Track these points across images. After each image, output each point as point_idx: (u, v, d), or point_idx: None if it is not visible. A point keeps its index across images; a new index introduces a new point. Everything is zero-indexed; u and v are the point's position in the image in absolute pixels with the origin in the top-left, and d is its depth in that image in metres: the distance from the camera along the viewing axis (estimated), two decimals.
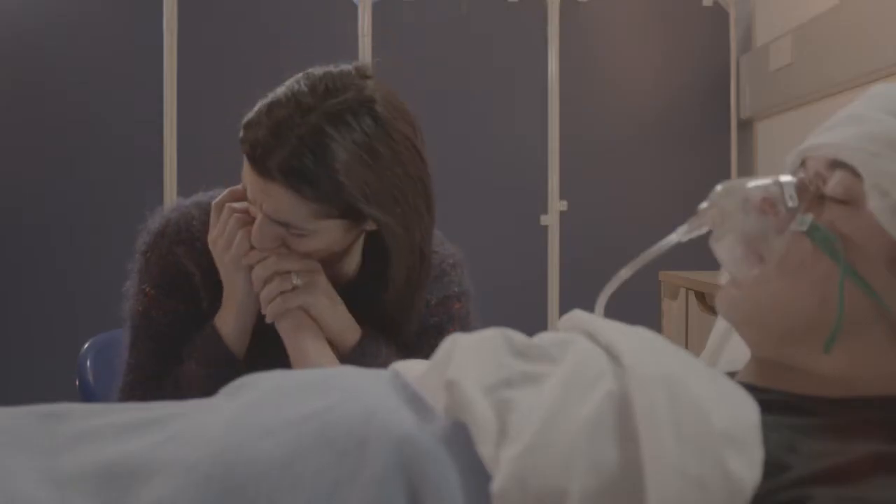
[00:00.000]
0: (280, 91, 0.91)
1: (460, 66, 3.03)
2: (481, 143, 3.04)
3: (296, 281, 0.97)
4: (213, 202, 1.00)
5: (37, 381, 2.71)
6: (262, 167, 0.88)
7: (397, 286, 1.00)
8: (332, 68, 0.93)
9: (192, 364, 0.99)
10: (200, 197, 1.07)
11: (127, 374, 1.03)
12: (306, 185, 0.88)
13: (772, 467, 0.54)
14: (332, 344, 1.00)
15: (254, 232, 0.94)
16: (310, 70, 0.93)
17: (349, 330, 1.00)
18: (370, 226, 0.97)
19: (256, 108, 0.91)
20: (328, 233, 0.94)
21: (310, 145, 0.86)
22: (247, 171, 0.92)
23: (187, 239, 1.02)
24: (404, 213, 0.94)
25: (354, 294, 1.04)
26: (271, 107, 0.89)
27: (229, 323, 0.99)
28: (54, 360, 2.46)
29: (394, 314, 1.04)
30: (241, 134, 0.90)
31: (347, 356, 0.99)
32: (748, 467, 0.52)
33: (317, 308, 0.98)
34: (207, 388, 0.96)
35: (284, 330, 0.99)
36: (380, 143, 0.90)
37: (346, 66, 0.94)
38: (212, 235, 0.98)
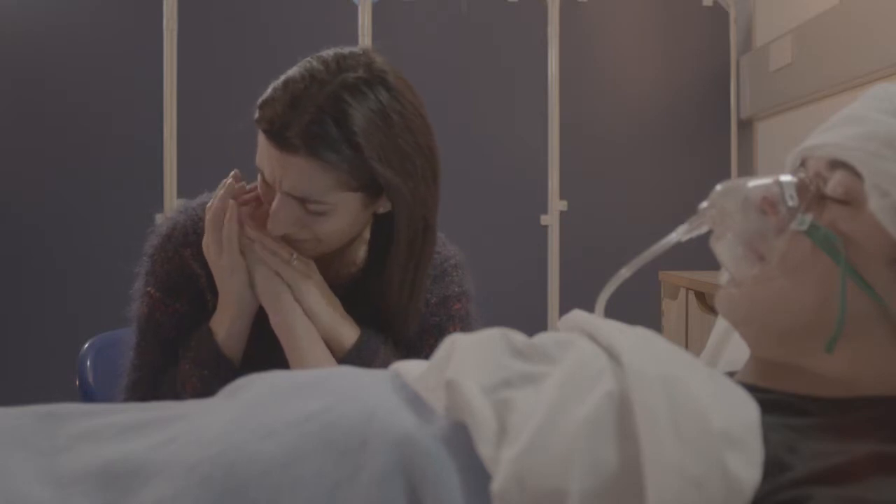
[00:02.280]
0: (293, 70, 0.92)
1: (460, 66, 3.03)
2: (481, 143, 3.04)
3: (294, 259, 0.98)
4: (206, 206, 1.01)
5: (37, 381, 2.71)
6: (282, 140, 0.88)
7: (400, 261, 1.00)
8: (341, 49, 0.95)
9: (187, 365, 0.99)
10: (206, 198, 1.07)
11: (131, 374, 1.04)
12: (328, 150, 0.88)
13: (772, 467, 0.54)
14: (330, 344, 1.00)
15: (272, 215, 0.93)
16: (319, 53, 0.95)
17: (347, 329, 1.01)
18: (382, 206, 0.97)
19: (270, 88, 0.92)
20: (345, 209, 0.94)
21: (329, 112, 0.88)
22: (264, 150, 0.91)
23: (194, 241, 1.02)
24: (414, 181, 0.95)
25: (354, 295, 1.04)
26: (287, 83, 0.90)
27: (224, 325, 1.00)
28: (54, 360, 2.46)
29: (394, 306, 1.03)
30: (256, 115, 0.91)
31: (346, 356, 0.99)
32: (747, 467, 0.52)
33: (308, 299, 0.98)
34: (201, 389, 0.97)
35: (277, 313, 0.99)
36: (393, 111, 0.92)
37: (354, 48, 0.96)
38: (205, 240, 0.99)
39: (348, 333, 1.00)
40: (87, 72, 2.84)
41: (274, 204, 0.93)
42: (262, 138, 0.92)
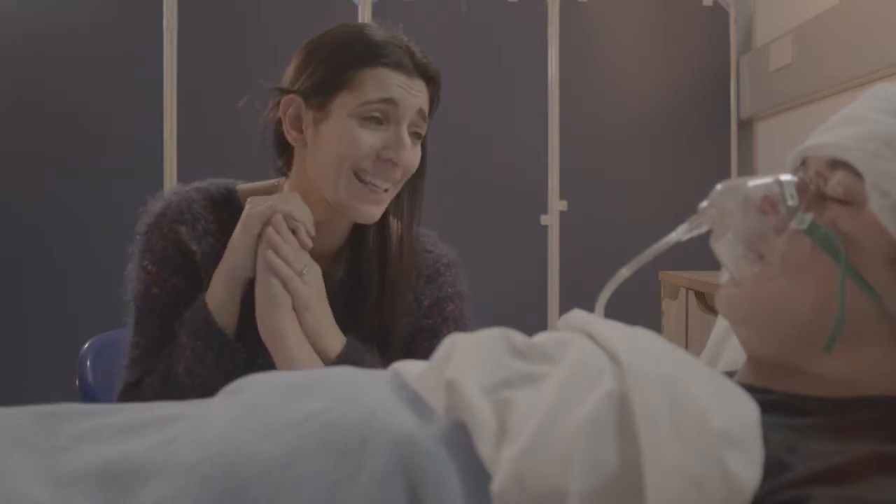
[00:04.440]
0: (373, 34, 1.04)
1: (460, 66, 3.02)
2: (481, 143, 3.04)
3: (304, 270, 1.00)
4: (200, 189, 1.07)
5: (37, 381, 2.71)
6: (412, 66, 1.01)
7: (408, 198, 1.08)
8: None
9: (183, 338, 0.99)
10: (199, 183, 1.09)
11: (130, 353, 1.04)
12: (437, 70, 1.05)
13: (772, 467, 0.54)
14: (316, 349, 1.00)
15: (406, 147, 1.00)
16: None
17: (332, 339, 1.00)
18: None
19: (366, 41, 1.03)
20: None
21: (417, 45, 1.04)
22: (390, 83, 0.99)
23: (189, 219, 1.03)
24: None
25: (344, 302, 1.05)
26: (380, 30, 1.05)
27: (215, 293, 0.99)
28: (54, 360, 2.46)
29: (393, 257, 1.06)
30: (381, 60, 1.00)
31: (332, 363, 0.99)
32: (747, 467, 0.52)
33: (311, 310, 0.99)
34: (194, 363, 0.97)
35: (266, 321, 0.98)
36: None
37: None
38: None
39: (334, 343, 1.00)
40: (87, 72, 2.84)
41: (404, 135, 1.00)
42: (383, 72, 0.99)
